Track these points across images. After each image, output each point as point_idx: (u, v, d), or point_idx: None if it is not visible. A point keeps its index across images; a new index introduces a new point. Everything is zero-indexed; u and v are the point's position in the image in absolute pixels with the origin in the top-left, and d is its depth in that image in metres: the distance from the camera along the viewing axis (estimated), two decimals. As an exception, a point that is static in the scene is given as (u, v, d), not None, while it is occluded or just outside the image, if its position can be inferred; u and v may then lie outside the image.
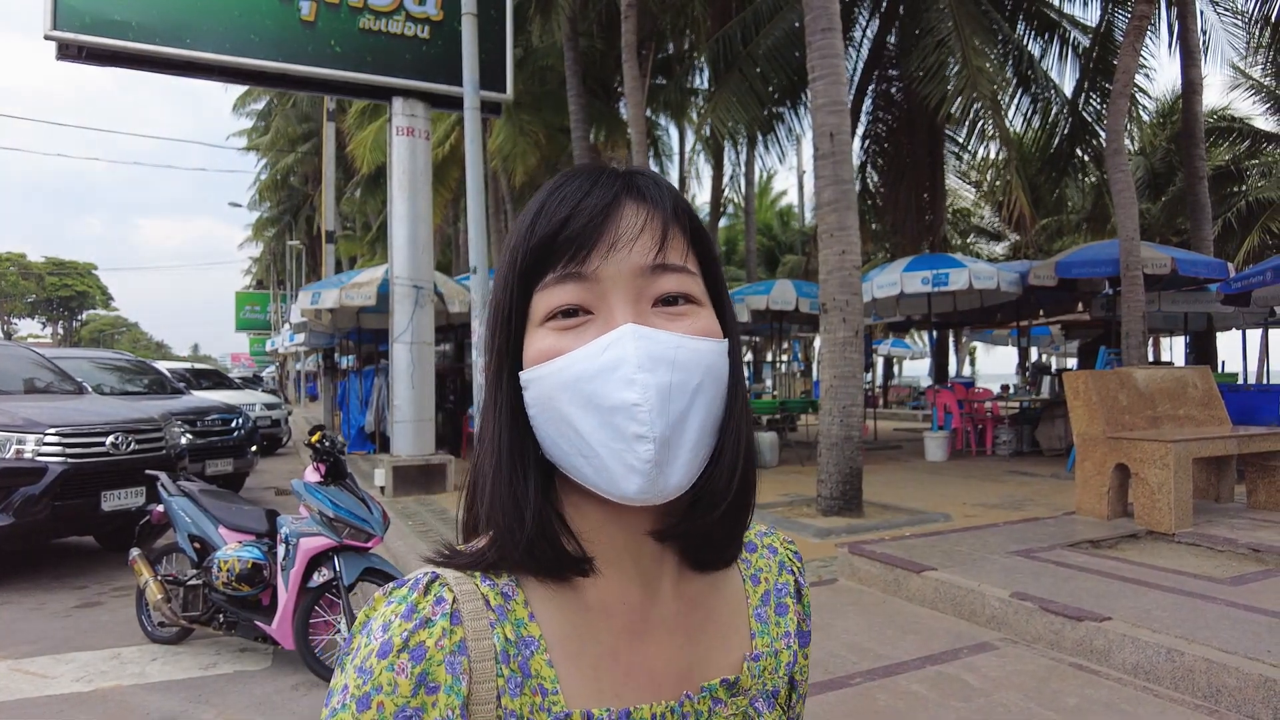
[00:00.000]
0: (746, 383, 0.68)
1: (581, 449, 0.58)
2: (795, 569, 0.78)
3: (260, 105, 36.45)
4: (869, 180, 15.80)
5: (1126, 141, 11.65)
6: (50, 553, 6.86)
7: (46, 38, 7.22)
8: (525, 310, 0.62)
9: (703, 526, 0.64)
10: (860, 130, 15.14)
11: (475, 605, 0.60)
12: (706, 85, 15.70)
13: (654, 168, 20.79)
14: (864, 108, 15.12)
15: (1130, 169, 10.61)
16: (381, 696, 0.55)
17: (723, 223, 29.04)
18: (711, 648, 0.68)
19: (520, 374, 0.62)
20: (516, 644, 0.60)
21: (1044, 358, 25.46)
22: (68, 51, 7.49)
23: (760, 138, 16.23)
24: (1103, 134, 11.69)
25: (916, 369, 39.91)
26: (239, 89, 35.08)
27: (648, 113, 15.90)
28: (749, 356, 28.35)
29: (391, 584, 0.62)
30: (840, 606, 4.77)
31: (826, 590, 5.15)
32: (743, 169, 20.31)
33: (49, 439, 5.81)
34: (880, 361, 29.36)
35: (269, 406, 15.00)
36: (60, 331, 61.81)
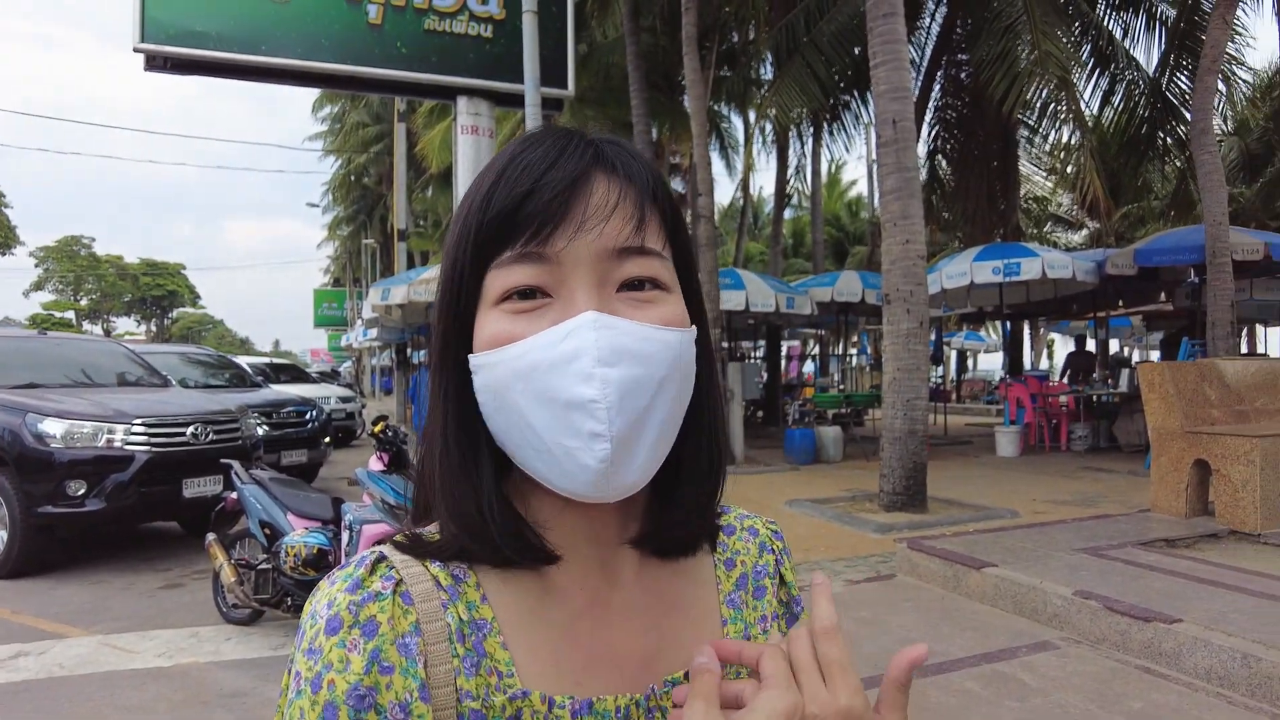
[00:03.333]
0: (719, 371, 0.66)
1: (533, 442, 0.55)
2: (776, 548, 0.74)
3: (335, 108, 37.60)
4: (938, 168, 15.40)
5: (1217, 121, 11.05)
6: (139, 536, 7.26)
7: (135, 50, 7.63)
8: (477, 288, 0.57)
9: (676, 529, 0.64)
10: (929, 117, 14.76)
11: (425, 586, 0.57)
12: (770, 75, 15.53)
13: (719, 159, 20.66)
14: (933, 94, 14.73)
15: (1220, 150, 10.07)
16: (333, 674, 0.51)
17: (789, 214, 28.69)
18: (678, 637, 0.64)
19: (470, 357, 0.57)
20: (470, 624, 0.57)
21: (1125, 350, 24.41)
22: (154, 62, 7.90)
23: (826, 126, 15.99)
24: (1188, 114, 11.12)
25: (991, 362, 38.70)
26: (315, 93, 36.30)
27: (712, 104, 15.82)
28: (815, 349, 27.96)
29: (336, 568, 0.58)
30: (896, 602, 4.70)
31: (884, 586, 5.07)
32: (808, 158, 20.01)
33: (135, 429, 6.14)
34: (953, 354, 28.56)
35: (343, 400, 15.48)
36: (154, 329, 65.03)
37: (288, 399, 9.91)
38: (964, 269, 11.12)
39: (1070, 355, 14.75)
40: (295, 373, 16.01)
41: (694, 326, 0.60)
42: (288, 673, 0.54)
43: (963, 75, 14.71)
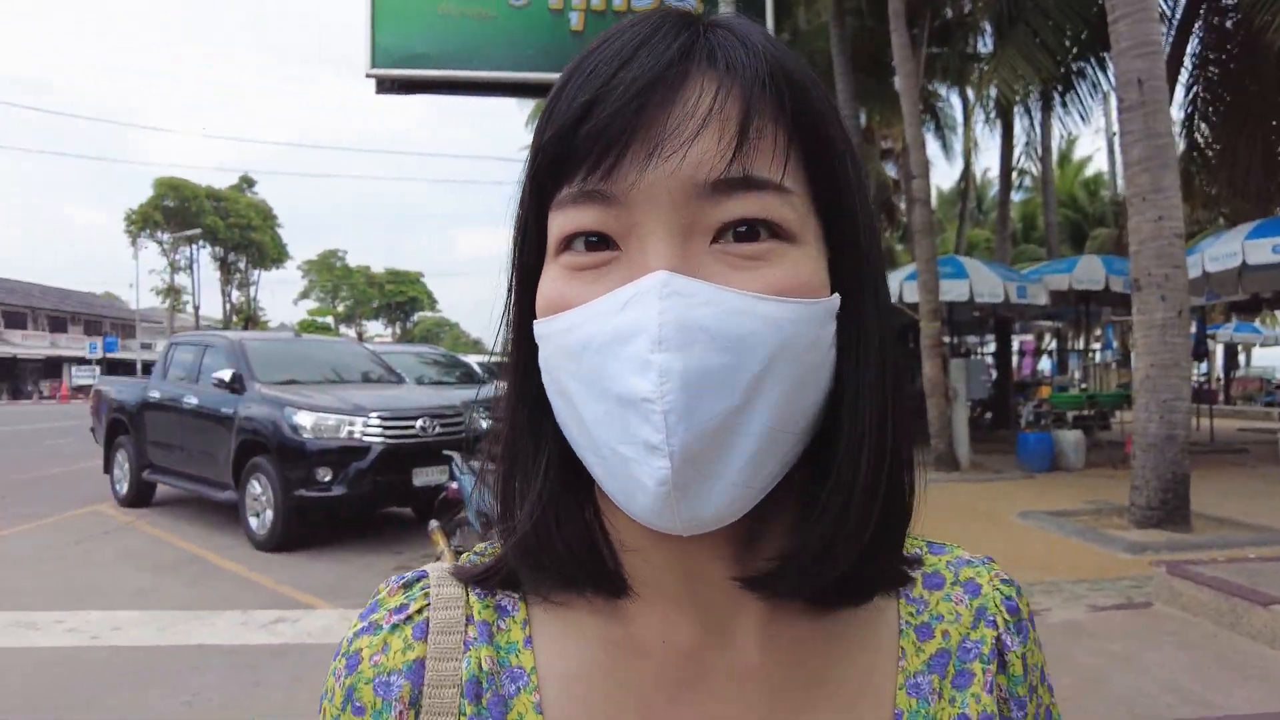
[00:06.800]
0: (895, 357, 0.45)
1: (587, 443, 0.42)
2: (1001, 621, 0.51)
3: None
4: (1198, 134, 13.44)
5: None
6: (376, 521, 7.96)
7: (367, 75, 8.43)
8: (542, 230, 0.44)
9: (820, 570, 0.44)
10: (1184, 77, 12.92)
11: (450, 616, 0.47)
12: (991, 49, 14.36)
13: (934, 140, 19.35)
14: (1188, 50, 12.87)
15: None
16: (325, 701, 0.48)
17: (1017, 196, 26.50)
18: None
19: (535, 324, 0.44)
20: (498, 675, 0.45)
21: None
22: (384, 85, 8.68)
23: (1057, 97, 14.50)
24: None
25: (1269, 358, 33.51)
26: (524, 109, 38.49)
27: (926, 83, 14.93)
28: (1052, 344, 25.55)
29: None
30: (1155, 636, 4.07)
31: (1137, 615, 4.42)
32: (1038, 135, 18.26)
33: (372, 421, 6.74)
34: (1220, 349, 24.97)
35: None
36: (397, 331, 72.36)
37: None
38: (1233, 249, 9.62)
39: None
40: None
41: (835, 295, 0.42)
42: None
43: (1228, 23, 12.72)
